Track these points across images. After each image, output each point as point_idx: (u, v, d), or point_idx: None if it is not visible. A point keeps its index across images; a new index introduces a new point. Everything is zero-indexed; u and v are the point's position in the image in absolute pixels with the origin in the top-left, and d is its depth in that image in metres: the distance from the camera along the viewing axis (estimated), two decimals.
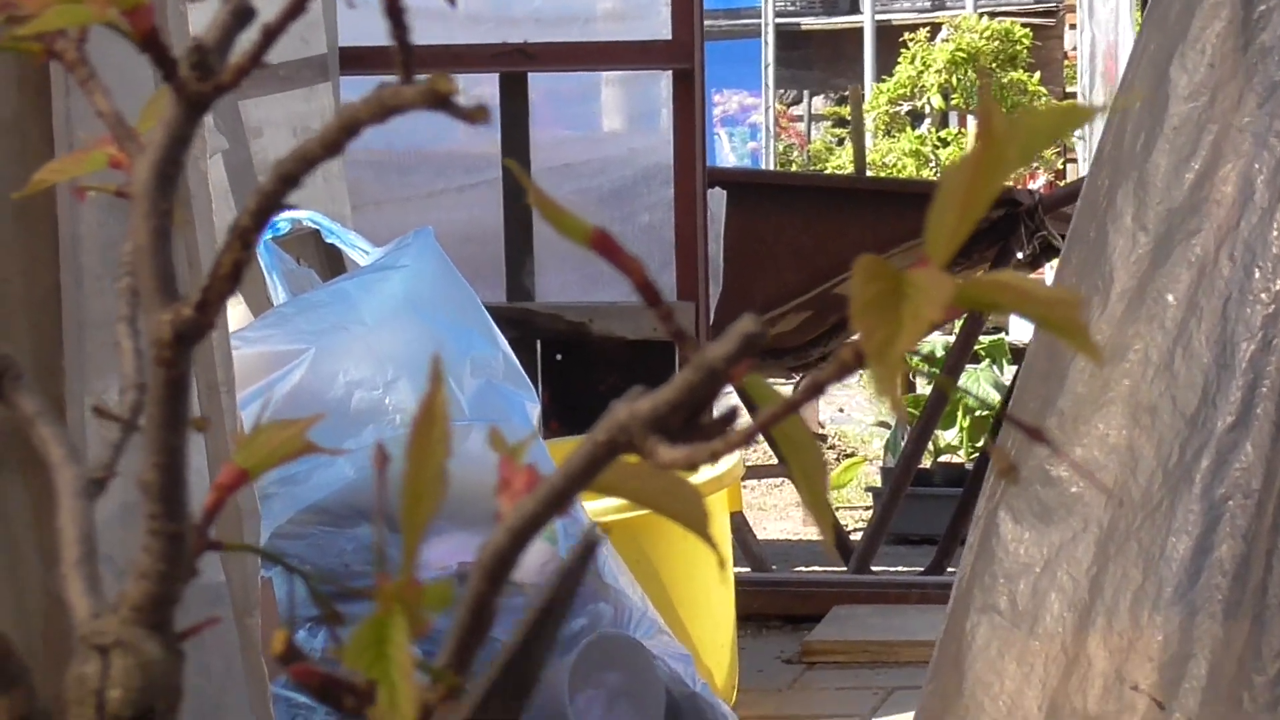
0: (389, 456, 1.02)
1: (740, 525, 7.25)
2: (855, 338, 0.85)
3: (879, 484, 9.17)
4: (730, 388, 0.94)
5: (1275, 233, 2.28)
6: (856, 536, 7.96)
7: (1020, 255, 7.70)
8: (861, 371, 0.86)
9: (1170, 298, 2.31)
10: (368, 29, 6.91)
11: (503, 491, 0.98)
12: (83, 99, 1.11)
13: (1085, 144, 14.70)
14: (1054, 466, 2.39)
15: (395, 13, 0.96)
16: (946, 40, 16.94)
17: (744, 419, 0.93)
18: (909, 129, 16.89)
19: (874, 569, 7.49)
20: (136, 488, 1.07)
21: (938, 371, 9.15)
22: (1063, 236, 7.24)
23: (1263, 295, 2.26)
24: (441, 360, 0.98)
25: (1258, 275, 2.27)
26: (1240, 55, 2.30)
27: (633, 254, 0.93)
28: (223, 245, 1.03)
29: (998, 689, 2.32)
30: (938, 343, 9.84)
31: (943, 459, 9.14)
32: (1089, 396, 2.32)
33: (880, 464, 9.79)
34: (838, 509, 9.38)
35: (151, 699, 1.07)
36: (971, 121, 16.63)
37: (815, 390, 0.88)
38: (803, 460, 0.96)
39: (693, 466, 0.88)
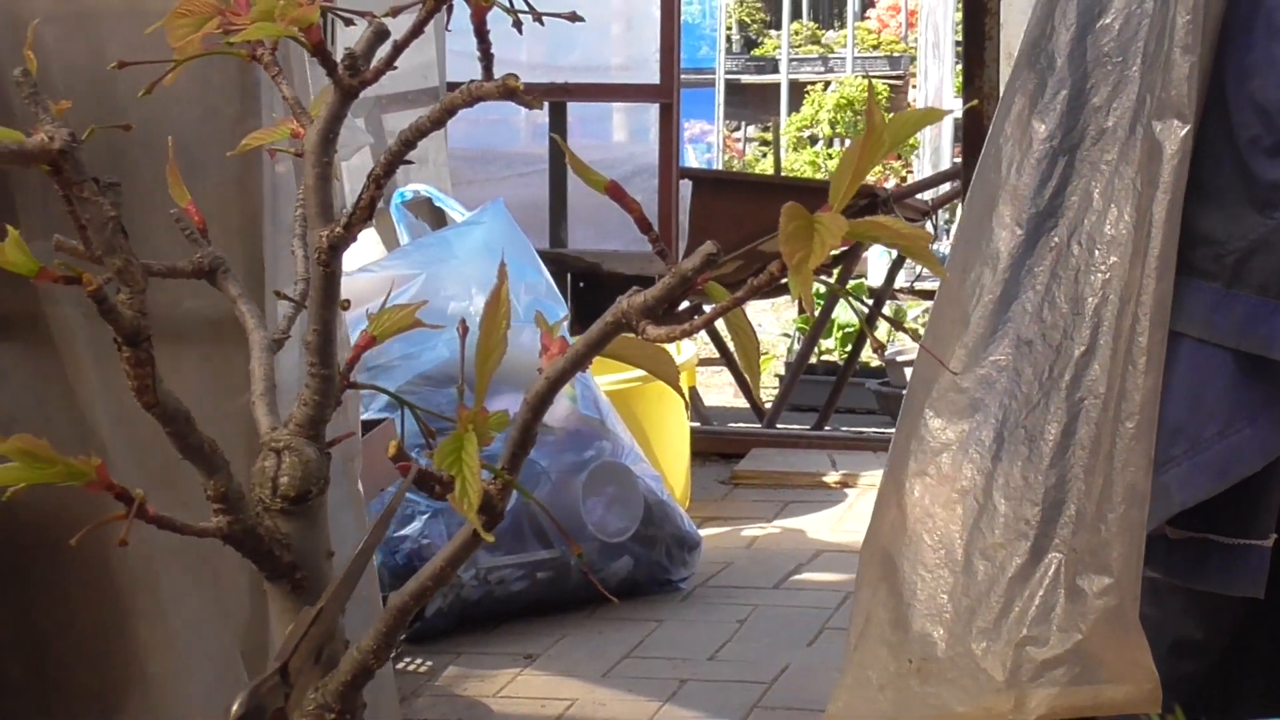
0: (469, 329, 0.99)
1: (694, 395, 7.21)
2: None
3: (783, 372, 9.13)
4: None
5: (1107, 227, 2.28)
6: (769, 405, 7.91)
7: None
8: (784, 281, 0.82)
9: (1038, 270, 2.31)
10: (468, 70, 6.87)
11: (543, 354, 0.95)
12: (279, 104, 1.08)
13: (920, 161, 14.62)
14: (961, 380, 2.37)
15: (481, 34, 0.93)
16: (834, 92, 16.87)
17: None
18: (808, 148, 16.83)
19: (778, 425, 7.45)
20: (302, 345, 1.04)
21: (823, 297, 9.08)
22: (906, 219, 7.23)
23: (1101, 267, 2.26)
24: (506, 267, 0.94)
25: (1097, 254, 2.27)
26: (1080, 112, 2.30)
27: (633, 199, 0.89)
28: (363, 186, 0.99)
29: (932, 526, 2.28)
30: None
31: (824, 358, 9.10)
32: (985, 334, 2.30)
33: (784, 360, 9.76)
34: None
35: (309, 485, 1.04)
36: (849, 143, 16.57)
37: (752, 292, 0.85)
38: (742, 338, 0.92)
39: (669, 340, 0.85)
